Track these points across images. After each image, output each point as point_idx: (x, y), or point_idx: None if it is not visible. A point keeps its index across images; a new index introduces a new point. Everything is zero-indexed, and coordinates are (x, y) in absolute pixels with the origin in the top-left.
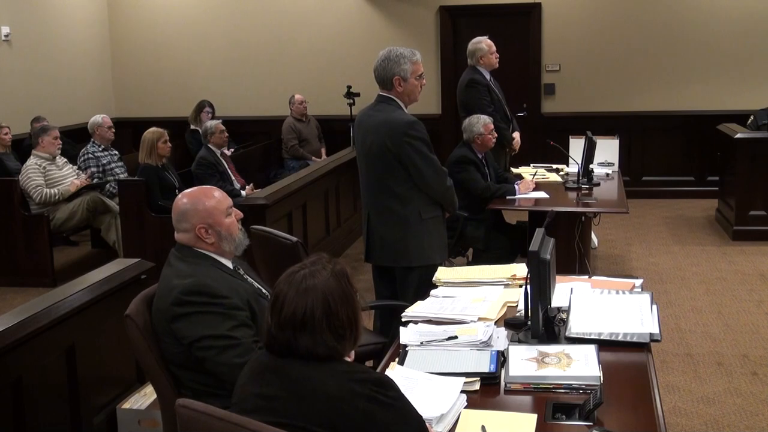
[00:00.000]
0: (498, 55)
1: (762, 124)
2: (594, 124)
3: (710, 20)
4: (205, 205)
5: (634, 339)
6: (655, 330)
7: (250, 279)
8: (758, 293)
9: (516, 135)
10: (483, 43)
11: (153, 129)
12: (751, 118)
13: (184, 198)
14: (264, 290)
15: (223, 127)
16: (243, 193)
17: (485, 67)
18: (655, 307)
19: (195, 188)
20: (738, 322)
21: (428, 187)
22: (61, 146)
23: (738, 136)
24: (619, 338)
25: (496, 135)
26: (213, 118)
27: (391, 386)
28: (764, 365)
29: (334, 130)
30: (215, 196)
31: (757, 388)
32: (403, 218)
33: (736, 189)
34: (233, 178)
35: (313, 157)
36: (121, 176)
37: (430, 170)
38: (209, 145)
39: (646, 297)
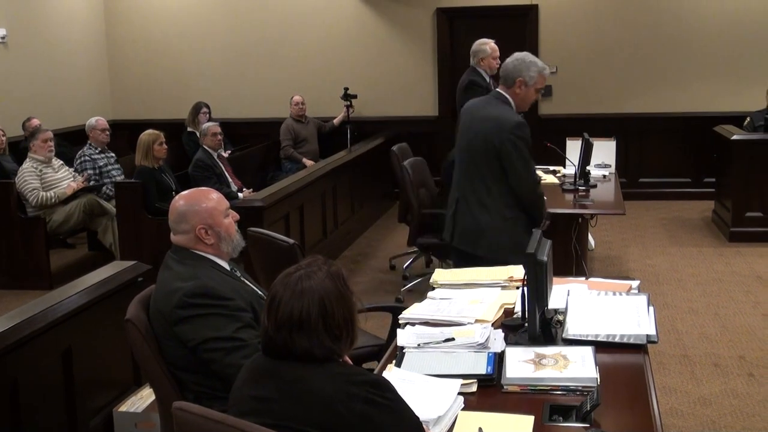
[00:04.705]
0: (500, 62)
1: (758, 126)
2: (591, 126)
3: (706, 22)
4: (204, 206)
5: (631, 340)
6: (652, 331)
7: (246, 281)
8: (755, 294)
9: None
10: (488, 45)
11: (149, 131)
12: (748, 119)
13: (182, 200)
14: (260, 292)
15: (217, 130)
16: (240, 195)
17: (485, 70)
18: (651, 308)
19: (192, 190)
20: (734, 323)
21: (519, 187)
22: (53, 149)
23: (734, 137)
24: (616, 340)
25: None
26: (210, 120)
27: (387, 388)
28: (761, 366)
29: (330, 132)
30: (213, 197)
31: (754, 389)
32: (488, 211)
33: (732, 190)
34: (230, 180)
35: (305, 160)
36: (118, 178)
37: (525, 172)
38: (206, 147)
39: (642, 298)
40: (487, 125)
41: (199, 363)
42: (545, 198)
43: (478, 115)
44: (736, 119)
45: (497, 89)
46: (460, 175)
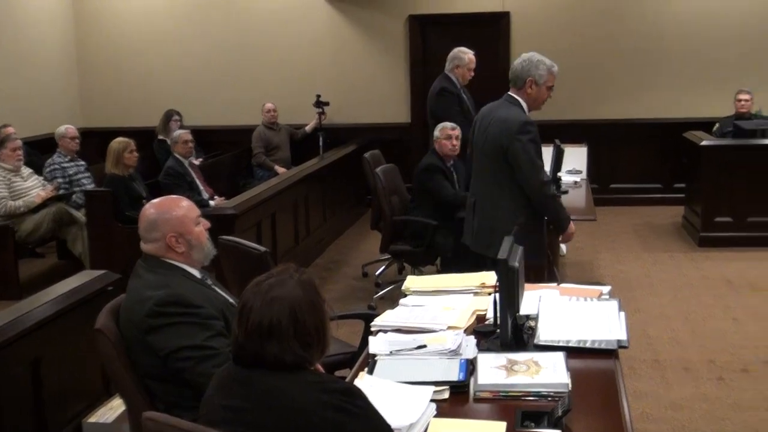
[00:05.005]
0: (473, 74)
1: (727, 132)
2: (562, 132)
3: (676, 30)
4: (175, 214)
5: (602, 346)
6: (623, 336)
7: (218, 289)
8: (724, 299)
9: None
10: (466, 55)
11: (119, 139)
12: (717, 125)
13: (152, 208)
14: (232, 300)
15: (189, 137)
16: (211, 203)
17: (457, 78)
18: (622, 313)
19: (162, 198)
20: (705, 327)
21: (526, 187)
22: (21, 158)
23: (704, 143)
24: (587, 345)
25: (455, 142)
26: (181, 127)
27: (359, 396)
28: (730, 370)
29: (302, 139)
30: (184, 205)
31: (724, 392)
32: (501, 213)
33: (702, 196)
34: (201, 188)
35: (277, 167)
36: (88, 187)
37: (530, 171)
38: (176, 155)
39: (614, 304)
40: (496, 127)
41: (170, 372)
42: (559, 199)
43: (488, 119)
44: (706, 125)
45: (508, 92)
46: (475, 179)
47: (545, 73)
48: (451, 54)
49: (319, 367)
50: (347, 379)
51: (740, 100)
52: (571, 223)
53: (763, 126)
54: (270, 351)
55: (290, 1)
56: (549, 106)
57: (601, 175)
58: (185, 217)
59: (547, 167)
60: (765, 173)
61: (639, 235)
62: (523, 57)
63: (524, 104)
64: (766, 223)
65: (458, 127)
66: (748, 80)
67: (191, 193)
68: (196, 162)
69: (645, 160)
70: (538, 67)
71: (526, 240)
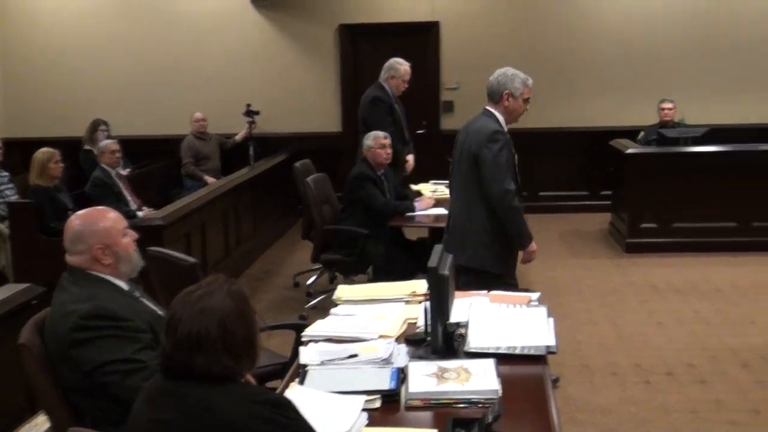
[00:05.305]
0: (407, 86)
1: (651, 140)
2: None
3: (601, 40)
4: (101, 225)
5: (531, 352)
6: (552, 342)
7: (146, 302)
8: (649, 304)
9: (410, 157)
10: (402, 67)
11: (44, 149)
12: (642, 133)
13: (77, 219)
14: (160, 313)
15: (116, 147)
16: (139, 213)
17: (391, 88)
18: (551, 319)
19: (88, 209)
20: (631, 332)
21: (489, 193)
22: None
23: (629, 151)
24: (517, 351)
25: (389, 151)
26: (109, 137)
27: (290, 407)
28: (656, 373)
29: (232, 148)
30: (110, 216)
31: (650, 395)
32: (472, 222)
33: (627, 203)
34: (129, 198)
35: (207, 177)
36: (12, 198)
37: (493, 179)
38: (103, 165)
39: (542, 310)
40: (470, 137)
41: (97, 387)
42: (519, 211)
43: (464, 133)
44: (631, 133)
45: (485, 107)
46: (453, 189)
47: (521, 86)
48: (388, 64)
49: (250, 378)
50: (278, 390)
51: (664, 109)
52: (533, 242)
53: (686, 134)
54: (199, 362)
55: (219, 10)
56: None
57: (529, 183)
58: (112, 229)
59: None
60: (688, 180)
61: (567, 242)
62: (498, 72)
63: (501, 117)
64: (690, 229)
65: (390, 136)
66: (671, 89)
67: (118, 204)
68: (124, 172)
69: (572, 168)
70: (513, 81)
71: (487, 249)
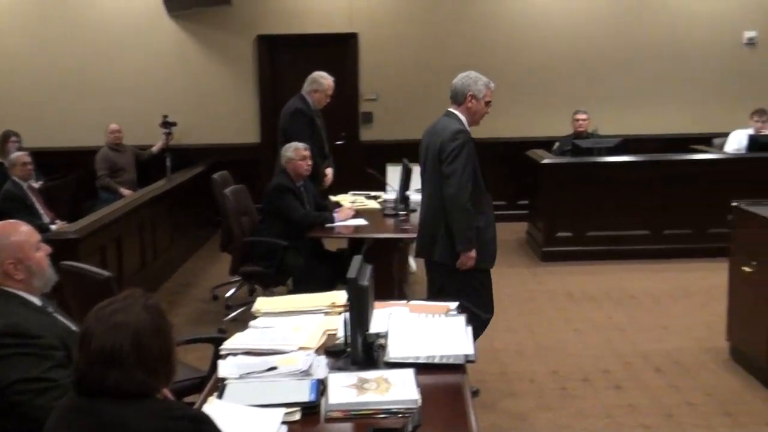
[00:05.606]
0: (330, 101)
1: (566, 150)
2: (411, 152)
3: (517, 53)
4: (13, 239)
5: (450, 360)
6: (470, 351)
7: (60, 317)
8: (566, 311)
9: (329, 171)
10: (326, 81)
11: None
12: (557, 144)
13: None
14: (75, 328)
15: (27, 159)
16: (53, 227)
17: (313, 101)
18: (469, 328)
19: None
20: (548, 339)
21: (444, 191)
22: None
23: (544, 161)
24: (436, 361)
25: (309, 163)
26: (20, 149)
27: (208, 422)
28: (572, 380)
29: (148, 160)
30: (23, 230)
31: (567, 402)
32: (439, 217)
33: (543, 212)
34: (42, 211)
35: (122, 189)
36: None
37: (452, 176)
38: (14, 178)
39: (461, 319)
40: (434, 138)
41: (8, 406)
42: (469, 214)
43: (428, 133)
44: (547, 144)
45: (448, 108)
46: (423, 188)
47: (484, 89)
48: (311, 77)
49: (167, 393)
50: (196, 405)
51: (578, 120)
52: (473, 251)
53: (599, 144)
54: (113, 378)
55: (133, 20)
56: (397, 126)
57: None
58: (25, 243)
59: (396, 186)
60: (602, 189)
61: None
62: (462, 75)
63: (463, 119)
64: (604, 237)
65: (310, 148)
66: (585, 101)
67: (31, 217)
68: (36, 185)
69: (490, 177)
70: (476, 83)
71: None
